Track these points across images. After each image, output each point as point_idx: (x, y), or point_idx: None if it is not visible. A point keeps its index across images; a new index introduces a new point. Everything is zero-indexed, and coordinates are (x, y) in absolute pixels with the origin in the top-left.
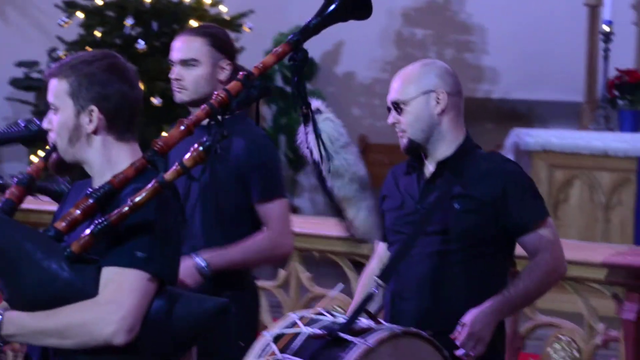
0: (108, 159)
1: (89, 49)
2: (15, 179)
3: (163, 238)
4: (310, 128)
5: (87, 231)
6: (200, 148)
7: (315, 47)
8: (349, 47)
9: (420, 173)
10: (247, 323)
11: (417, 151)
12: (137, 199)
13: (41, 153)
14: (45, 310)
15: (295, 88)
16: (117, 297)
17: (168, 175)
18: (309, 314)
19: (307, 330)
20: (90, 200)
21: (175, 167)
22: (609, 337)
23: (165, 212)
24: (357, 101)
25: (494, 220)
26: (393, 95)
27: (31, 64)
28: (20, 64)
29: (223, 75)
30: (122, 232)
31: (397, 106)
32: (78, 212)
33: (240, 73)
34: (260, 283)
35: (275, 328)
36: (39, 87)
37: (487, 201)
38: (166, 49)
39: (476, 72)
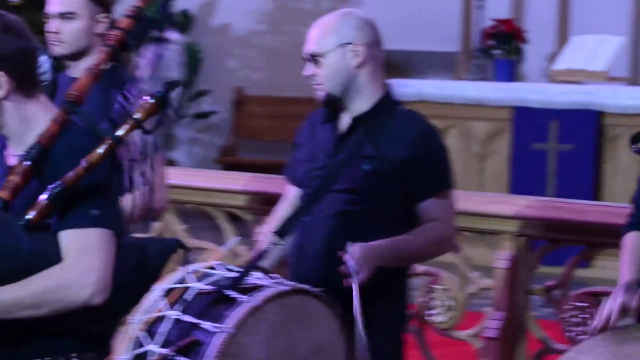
0: (24, 120)
1: None
2: None
3: (111, 194)
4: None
5: (44, 197)
6: (151, 99)
7: None
8: None
9: (335, 125)
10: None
11: (334, 105)
12: (92, 158)
13: None
14: (13, 284)
15: (161, 13)
16: (87, 259)
17: (121, 131)
18: (202, 268)
19: (196, 285)
20: (27, 163)
21: (128, 122)
22: (483, 286)
23: (109, 168)
24: (232, 53)
25: (400, 182)
26: (310, 46)
27: None
28: None
29: (100, 28)
30: (74, 193)
31: (314, 58)
32: (17, 177)
33: (126, 10)
34: (134, 236)
35: (165, 282)
36: None
37: (396, 163)
38: (41, 2)
39: None
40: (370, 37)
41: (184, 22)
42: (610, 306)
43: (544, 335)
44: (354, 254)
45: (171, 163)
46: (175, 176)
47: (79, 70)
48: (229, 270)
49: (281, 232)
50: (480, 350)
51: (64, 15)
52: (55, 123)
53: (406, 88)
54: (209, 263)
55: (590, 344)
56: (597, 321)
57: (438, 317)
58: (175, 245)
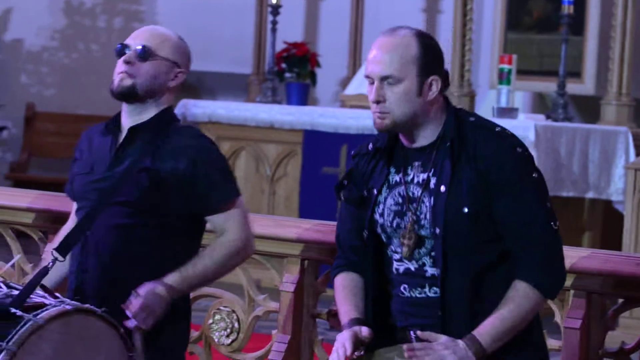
0: None
1: None
2: None
3: None
4: None
5: None
6: None
7: None
8: (18, 14)
9: (115, 136)
10: None
11: (126, 97)
12: None
13: None
14: None
15: None
16: None
17: None
18: None
19: None
20: None
21: None
22: (269, 308)
23: None
24: (24, 68)
25: (181, 197)
26: (141, 41)
27: None
28: None
29: None
30: None
31: (142, 53)
32: None
33: None
34: None
35: None
36: None
37: (176, 177)
38: None
39: None
40: (188, 66)
41: None
42: (340, 342)
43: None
44: (147, 297)
45: None
46: None
47: None
48: (10, 287)
49: (62, 249)
50: None
51: None
52: None
53: (197, 108)
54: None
55: None
56: (332, 357)
57: (224, 339)
58: None
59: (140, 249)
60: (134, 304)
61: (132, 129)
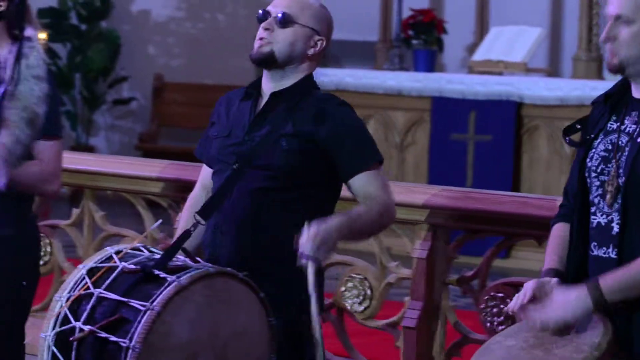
0: None
1: None
2: None
3: None
4: (15, 49)
5: None
6: None
7: None
8: None
9: (255, 101)
10: (29, 263)
11: (264, 62)
12: None
13: None
14: None
15: (16, 10)
16: None
17: None
18: (126, 248)
19: (122, 264)
20: None
21: None
22: (401, 275)
23: None
24: (152, 40)
25: (320, 161)
26: (284, 8)
27: None
28: None
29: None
30: None
31: (285, 20)
32: None
33: None
34: (53, 222)
35: (90, 261)
36: None
37: (315, 142)
38: None
39: None
40: (329, 39)
41: (103, 8)
42: (524, 289)
43: (463, 325)
44: (310, 237)
45: (90, 149)
46: (94, 162)
47: None
48: (152, 252)
49: (204, 212)
50: (399, 340)
51: None
52: None
53: (325, 77)
54: (133, 244)
55: (515, 329)
56: (511, 304)
57: (357, 306)
58: None
59: (278, 212)
60: (303, 235)
61: (273, 95)
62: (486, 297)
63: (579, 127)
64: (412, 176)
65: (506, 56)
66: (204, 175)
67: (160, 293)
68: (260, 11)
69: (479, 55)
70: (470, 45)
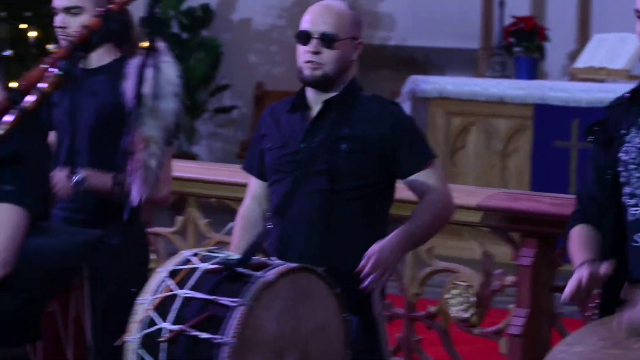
0: None
1: None
2: None
3: (30, 170)
4: (151, 61)
5: None
6: (58, 71)
7: None
8: None
9: (304, 112)
10: (138, 269)
11: (320, 85)
12: None
13: None
14: None
15: (148, 19)
16: None
17: (29, 103)
18: (201, 251)
19: (203, 265)
20: None
21: (34, 96)
22: (506, 283)
23: (30, 143)
24: (253, 48)
25: (379, 161)
26: (322, 26)
27: None
28: None
29: None
30: None
31: (328, 38)
32: None
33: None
34: (157, 229)
35: (169, 265)
36: None
37: (374, 142)
38: None
39: (373, 19)
40: (360, 33)
41: (205, 17)
42: (578, 275)
43: (569, 332)
44: (381, 254)
45: (192, 157)
46: (198, 170)
47: (88, 61)
48: (227, 253)
49: (279, 212)
50: (504, 347)
51: (70, 10)
52: None
53: (427, 84)
54: (208, 247)
55: (578, 336)
56: (567, 289)
57: (462, 313)
58: (98, 239)
59: (340, 213)
60: (369, 262)
61: (326, 102)
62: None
63: (596, 129)
64: (515, 183)
65: (609, 63)
66: (253, 188)
67: (249, 289)
68: (299, 31)
69: (581, 63)
70: (572, 52)
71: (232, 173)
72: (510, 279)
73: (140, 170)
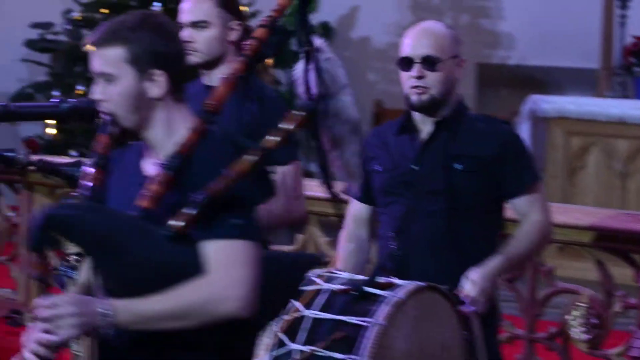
0: (170, 122)
1: (104, 10)
2: (91, 161)
3: (252, 203)
4: (312, 66)
5: (191, 206)
6: (301, 113)
7: (331, 11)
8: (365, 11)
9: (413, 133)
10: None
11: (429, 109)
12: (241, 167)
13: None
14: (157, 295)
15: (299, 25)
16: (234, 272)
17: (270, 142)
18: (324, 272)
19: (329, 286)
20: (168, 172)
21: (277, 134)
22: (627, 304)
23: (254, 179)
24: (372, 66)
25: (491, 180)
26: (424, 49)
27: (46, 26)
28: (35, 26)
29: (233, 36)
30: (220, 203)
31: (430, 61)
32: (157, 186)
33: (261, 20)
34: (278, 248)
35: None
36: (54, 49)
37: (486, 161)
38: (174, 11)
39: (492, 38)
40: (460, 50)
41: (325, 34)
42: None
43: None
44: (484, 282)
45: (310, 175)
46: (318, 188)
47: (212, 78)
48: (351, 274)
49: (399, 234)
50: None
51: (196, 24)
52: (194, 133)
53: (547, 104)
54: (330, 268)
55: None
56: None
57: (583, 335)
58: (315, 260)
59: (453, 232)
60: (474, 290)
61: (437, 123)
62: None
63: None
64: (635, 204)
65: None
66: (355, 211)
67: (380, 308)
68: (401, 58)
69: None
70: None
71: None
72: (632, 300)
73: (342, 168)
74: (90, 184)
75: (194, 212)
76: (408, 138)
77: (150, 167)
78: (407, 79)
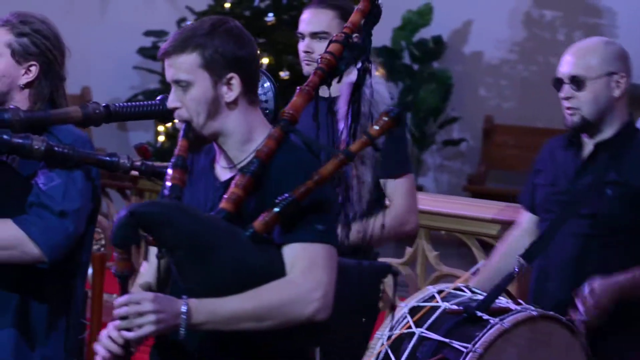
0: (248, 127)
1: None
2: (170, 163)
3: (333, 208)
4: (369, 82)
5: (273, 209)
6: (386, 118)
7: (444, 25)
8: (478, 26)
9: (578, 150)
10: (370, 300)
11: (585, 130)
12: (323, 172)
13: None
14: (237, 295)
15: (364, 41)
16: (314, 275)
17: (354, 147)
18: (447, 288)
19: (444, 304)
20: (248, 176)
21: (361, 139)
22: None
23: (334, 183)
24: (484, 81)
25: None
26: (571, 69)
27: (159, 33)
28: (148, 33)
29: None
30: (302, 207)
31: (576, 81)
32: (239, 190)
33: (335, 35)
34: (387, 260)
35: (413, 300)
36: None
37: (638, 189)
38: (294, 22)
39: None
40: (629, 69)
41: (436, 48)
42: None
43: None
44: (602, 295)
45: (419, 189)
46: (428, 202)
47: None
48: (474, 292)
49: (529, 257)
50: None
51: (316, 35)
52: (273, 140)
53: None
54: (455, 284)
55: None
56: None
57: None
58: (386, 270)
59: (597, 257)
60: (591, 300)
61: (598, 145)
62: None
63: None
64: None
65: None
66: (523, 220)
67: (483, 335)
68: (554, 78)
69: None
70: None
71: (464, 206)
72: None
73: (354, 187)
74: (170, 183)
75: (277, 214)
76: (573, 154)
77: (224, 172)
78: (561, 100)
